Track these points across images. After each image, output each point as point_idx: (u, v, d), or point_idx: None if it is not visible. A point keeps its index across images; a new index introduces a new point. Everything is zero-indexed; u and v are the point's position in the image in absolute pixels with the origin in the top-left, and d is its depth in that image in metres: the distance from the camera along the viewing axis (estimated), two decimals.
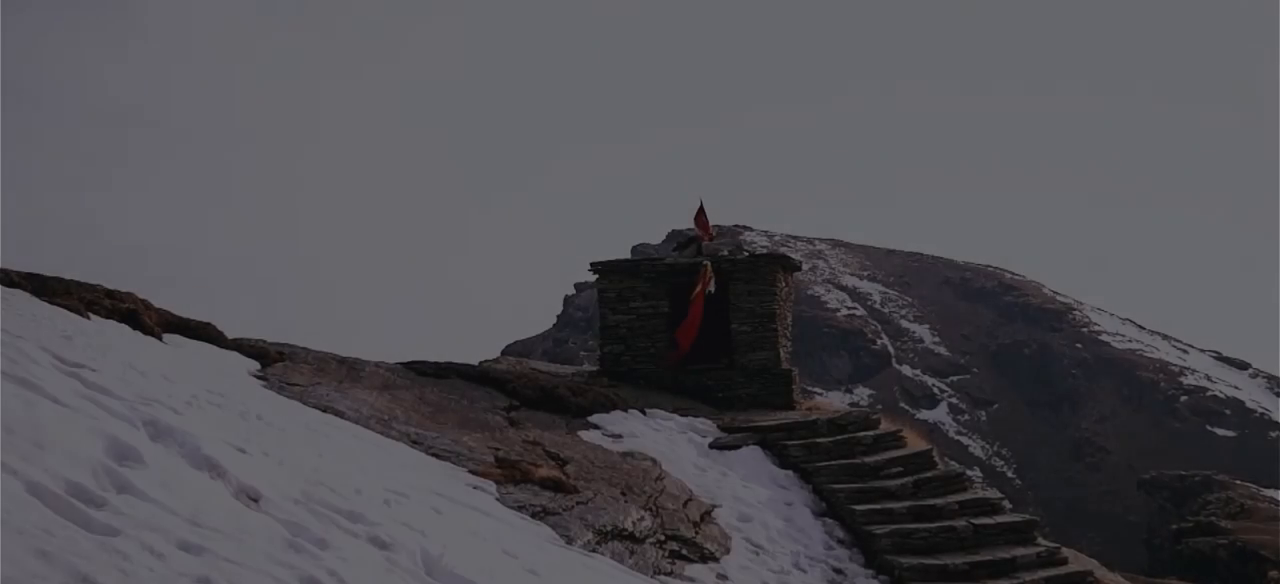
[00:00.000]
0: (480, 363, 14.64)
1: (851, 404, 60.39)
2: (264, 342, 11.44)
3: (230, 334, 11.06)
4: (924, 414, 69.23)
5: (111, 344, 7.62)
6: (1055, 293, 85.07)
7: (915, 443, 13.08)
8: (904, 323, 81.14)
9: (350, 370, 11.35)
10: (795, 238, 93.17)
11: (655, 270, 15.41)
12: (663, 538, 8.33)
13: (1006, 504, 11.74)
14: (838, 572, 9.72)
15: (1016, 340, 77.40)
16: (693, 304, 14.78)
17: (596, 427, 11.67)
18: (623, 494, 8.82)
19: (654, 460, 10.54)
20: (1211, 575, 31.26)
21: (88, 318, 8.63)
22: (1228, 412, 67.34)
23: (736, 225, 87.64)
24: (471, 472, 8.15)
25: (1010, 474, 67.64)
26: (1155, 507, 49.90)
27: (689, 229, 16.60)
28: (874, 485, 11.22)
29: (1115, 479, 64.43)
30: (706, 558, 8.54)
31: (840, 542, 10.31)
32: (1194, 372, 73.02)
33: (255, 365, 10.20)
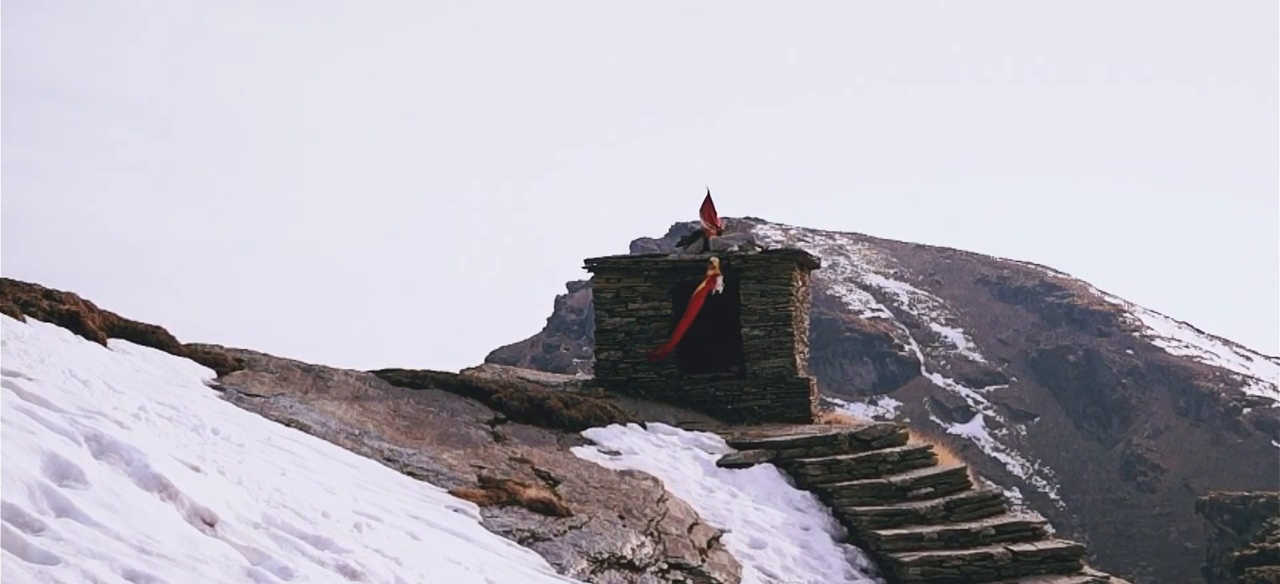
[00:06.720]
0: (462, 371, 14.65)
1: (876, 417, 60.48)
2: (220, 347, 11.46)
3: (183, 339, 11.08)
4: (957, 428, 69.45)
5: (50, 350, 7.63)
6: (1103, 293, 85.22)
7: (947, 460, 13.11)
8: (934, 326, 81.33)
9: (317, 379, 11.37)
10: (813, 232, 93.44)
11: (657, 268, 15.42)
12: (665, 566, 8.35)
13: (1049, 529, 11.77)
14: None
15: (1060, 346, 77.55)
16: (692, 301, 14.79)
17: (591, 442, 11.70)
18: (620, 518, 8.84)
19: (655, 480, 10.56)
20: None
21: (23, 321, 8.64)
22: None
23: (748, 218, 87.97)
24: (452, 492, 8.16)
25: (1053, 495, 67.81)
26: (1215, 531, 49.95)
27: (694, 222, 16.62)
28: (901, 508, 11.24)
29: (1170, 500, 64.57)
30: None
31: (863, 571, 10.33)
32: (1259, 381, 73.11)
33: (211, 374, 10.22)
